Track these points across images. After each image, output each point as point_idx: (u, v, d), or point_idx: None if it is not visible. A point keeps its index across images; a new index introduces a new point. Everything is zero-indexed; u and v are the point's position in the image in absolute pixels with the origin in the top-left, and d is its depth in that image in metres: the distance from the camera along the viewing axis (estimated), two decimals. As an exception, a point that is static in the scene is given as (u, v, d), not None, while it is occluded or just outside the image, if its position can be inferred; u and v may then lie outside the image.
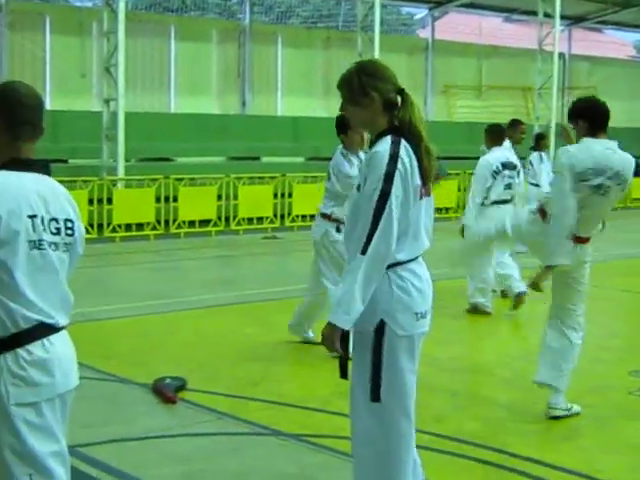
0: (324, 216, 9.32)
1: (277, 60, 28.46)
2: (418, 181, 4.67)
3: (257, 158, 24.31)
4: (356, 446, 4.93)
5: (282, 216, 20.77)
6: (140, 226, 18.52)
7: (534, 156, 16.01)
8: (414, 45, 32.43)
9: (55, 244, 3.71)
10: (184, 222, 19.20)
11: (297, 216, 20.48)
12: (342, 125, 8.94)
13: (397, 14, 40.49)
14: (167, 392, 7.66)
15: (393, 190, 4.51)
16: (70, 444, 6.54)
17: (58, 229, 3.72)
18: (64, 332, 3.78)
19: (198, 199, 19.30)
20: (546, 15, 27.46)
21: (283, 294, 12.24)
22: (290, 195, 20.79)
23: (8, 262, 3.54)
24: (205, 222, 19.44)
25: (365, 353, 4.69)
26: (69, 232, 3.77)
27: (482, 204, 11.05)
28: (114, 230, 18.24)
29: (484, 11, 33.15)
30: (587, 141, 7.04)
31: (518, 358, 9.26)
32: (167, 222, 18.97)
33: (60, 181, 15.78)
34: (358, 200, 4.67)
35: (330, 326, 4.56)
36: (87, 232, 17.35)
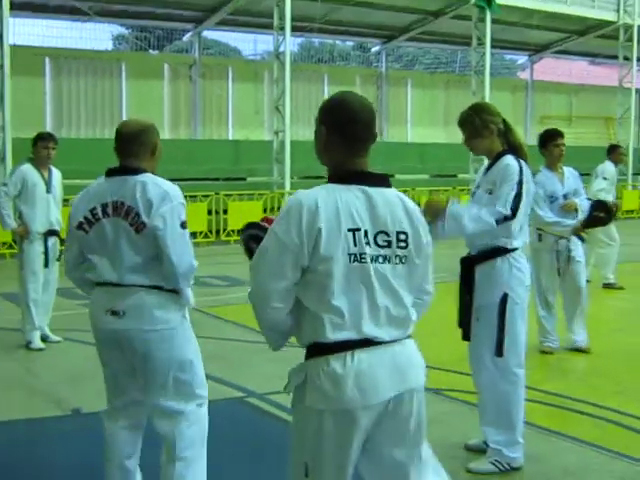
0: None
1: (407, 98, 28.46)
2: (533, 188, 5.08)
3: (392, 176, 24.20)
4: (482, 391, 5.12)
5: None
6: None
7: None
8: (516, 85, 31.94)
9: (383, 257, 2.95)
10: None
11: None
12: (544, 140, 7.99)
13: (502, 60, 39.95)
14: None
15: (524, 192, 4.82)
16: (258, 392, 6.79)
17: (388, 242, 2.97)
18: (386, 347, 2.97)
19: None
20: (625, 58, 26.74)
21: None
22: (419, 205, 20.62)
23: (325, 275, 2.88)
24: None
25: (490, 320, 4.89)
26: (402, 244, 3.00)
27: None
28: (283, 232, 18.36)
29: (573, 56, 32.43)
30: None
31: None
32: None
33: (240, 195, 16.28)
34: (489, 200, 4.89)
35: (442, 211, 4.74)
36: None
